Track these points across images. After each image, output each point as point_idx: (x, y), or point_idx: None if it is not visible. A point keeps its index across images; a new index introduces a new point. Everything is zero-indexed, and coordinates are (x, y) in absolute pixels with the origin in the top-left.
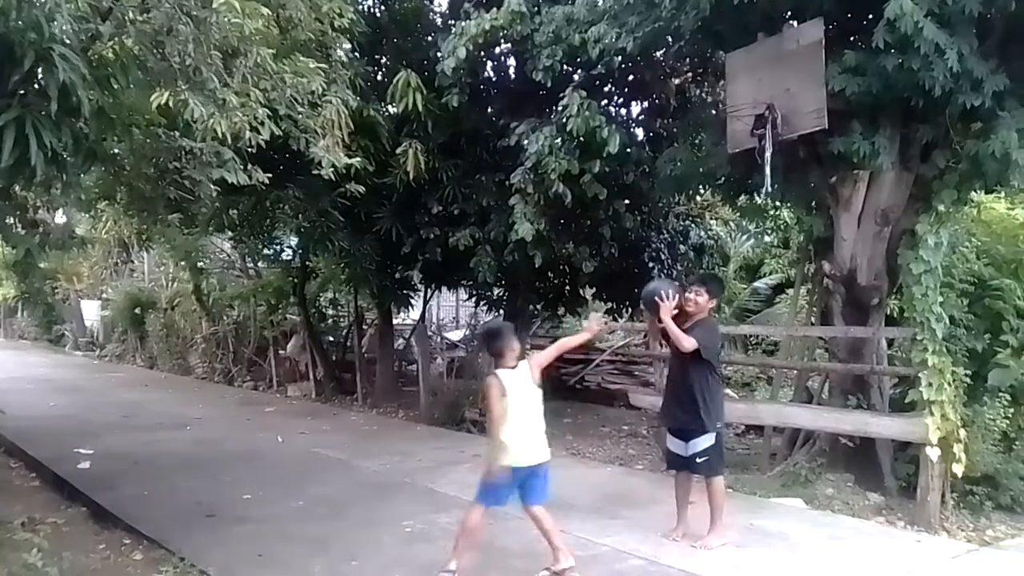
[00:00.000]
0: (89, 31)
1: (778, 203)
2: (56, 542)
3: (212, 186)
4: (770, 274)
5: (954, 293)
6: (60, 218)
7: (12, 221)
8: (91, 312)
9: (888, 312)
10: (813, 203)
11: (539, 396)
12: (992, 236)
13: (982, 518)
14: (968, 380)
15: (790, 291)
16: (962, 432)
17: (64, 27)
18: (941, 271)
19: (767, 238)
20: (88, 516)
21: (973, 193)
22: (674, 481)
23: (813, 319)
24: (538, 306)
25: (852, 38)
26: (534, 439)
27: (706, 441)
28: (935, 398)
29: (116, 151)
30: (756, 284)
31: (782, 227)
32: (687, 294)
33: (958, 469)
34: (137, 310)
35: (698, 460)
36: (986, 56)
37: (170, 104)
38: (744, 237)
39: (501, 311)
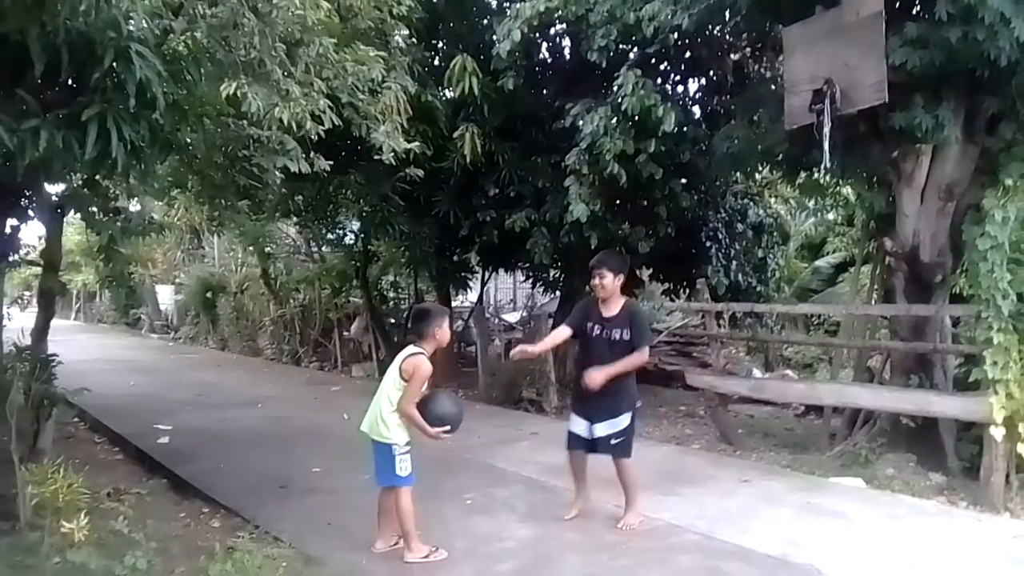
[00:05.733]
0: (162, 26)
1: (838, 180)
2: (140, 511)
3: (278, 173)
4: (833, 252)
5: (1022, 270)
6: (135, 206)
7: (95, 209)
8: (165, 296)
9: (954, 290)
10: (874, 179)
11: (388, 383)
12: None
13: None
14: None
15: (853, 270)
16: None
17: (140, 24)
18: (1008, 247)
19: (830, 216)
20: (168, 487)
21: None
22: (569, 461)
23: (875, 297)
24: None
25: (913, 9)
26: (369, 412)
27: (624, 421)
28: (1000, 377)
29: (188, 141)
30: (818, 263)
31: (844, 204)
32: (594, 280)
33: (1023, 449)
34: (208, 294)
35: (613, 442)
36: None
37: (237, 94)
38: (805, 215)
39: (557, 292)
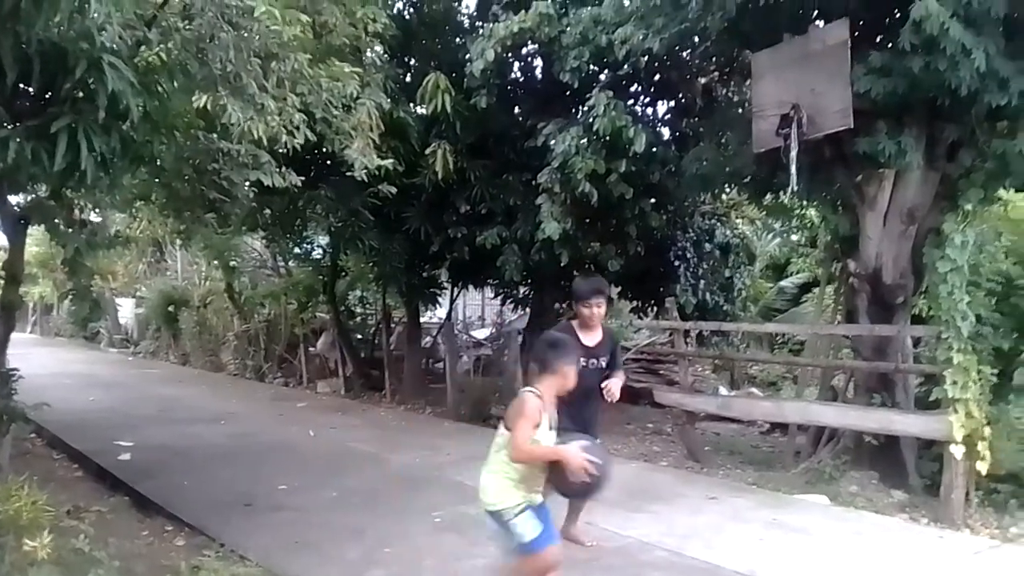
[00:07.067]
0: (136, 38)
1: (804, 202)
2: (101, 529)
3: (247, 187)
4: (797, 273)
5: (981, 292)
6: (96, 218)
7: (59, 221)
8: (126, 310)
9: (917, 312)
10: (839, 202)
11: (497, 436)
12: (1020, 235)
13: (1006, 516)
14: (994, 379)
15: (817, 290)
16: (987, 430)
17: (114, 36)
18: (968, 270)
19: (794, 237)
20: (130, 505)
21: (1003, 192)
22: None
23: (839, 318)
24: (564, 304)
25: (878, 38)
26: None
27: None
28: (960, 396)
29: (157, 153)
30: (782, 283)
31: (808, 226)
32: (593, 309)
33: (982, 467)
34: (170, 308)
35: None
36: (1013, 56)
37: (208, 107)
38: (770, 236)
39: (527, 309)
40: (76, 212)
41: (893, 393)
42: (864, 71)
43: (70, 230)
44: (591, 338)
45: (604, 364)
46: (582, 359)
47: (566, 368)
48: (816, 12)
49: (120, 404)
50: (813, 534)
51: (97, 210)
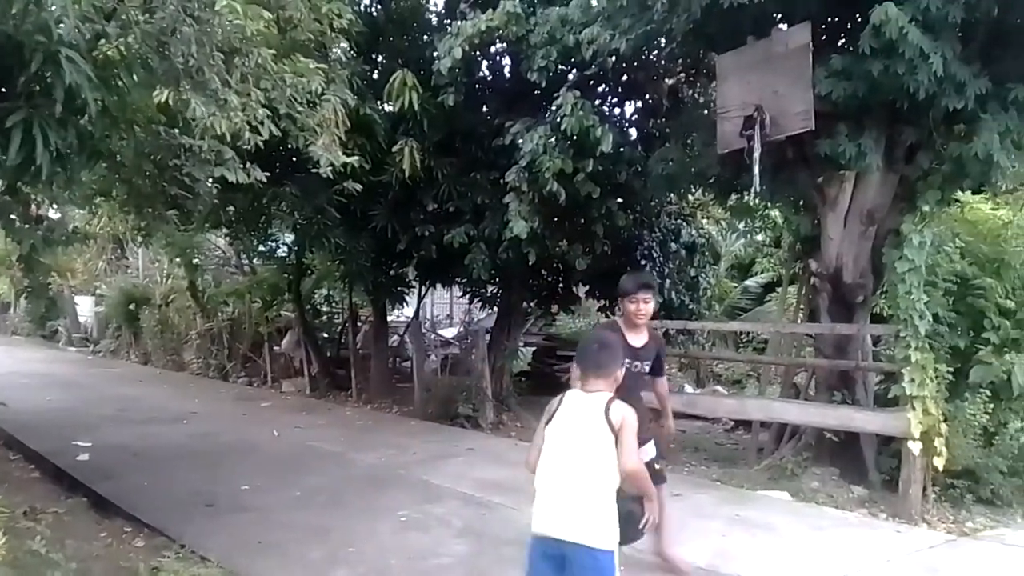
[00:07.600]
0: (95, 31)
1: (767, 203)
2: (58, 530)
3: (211, 183)
4: (761, 273)
5: (938, 291)
6: (55, 214)
7: (15, 217)
8: (85, 308)
9: (877, 310)
10: (801, 203)
11: (597, 447)
12: (976, 236)
13: (962, 510)
14: (950, 376)
15: (780, 289)
16: (943, 427)
17: (71, 29)
18: (925, 270)
19: (759, 237)
20: (89, 506)
21: (960, 193)
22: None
23: (801, 316)
24: (532, 303)
25: (839, 42)
26: (559, 501)
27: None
28: (917, 393)
29: (117, 149)
30: (747, 282)
31: (772, 226)
32: (640, 305)
33: (939, 463)
34: (131, 306)
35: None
36: (969, 60)
37: (170, 102)
38: (735, 236)
39: (495, 308)
40: (33, 208)
41: (853, 391)
42: (825, 74)
43: (26, 226)
44: (637, 338)
45: (647, 368)
46: (626, 359)
47: (619, 372)
48: (779, 16)
49: (79, 404)
50: (775, 529)
51: (55, 206)
